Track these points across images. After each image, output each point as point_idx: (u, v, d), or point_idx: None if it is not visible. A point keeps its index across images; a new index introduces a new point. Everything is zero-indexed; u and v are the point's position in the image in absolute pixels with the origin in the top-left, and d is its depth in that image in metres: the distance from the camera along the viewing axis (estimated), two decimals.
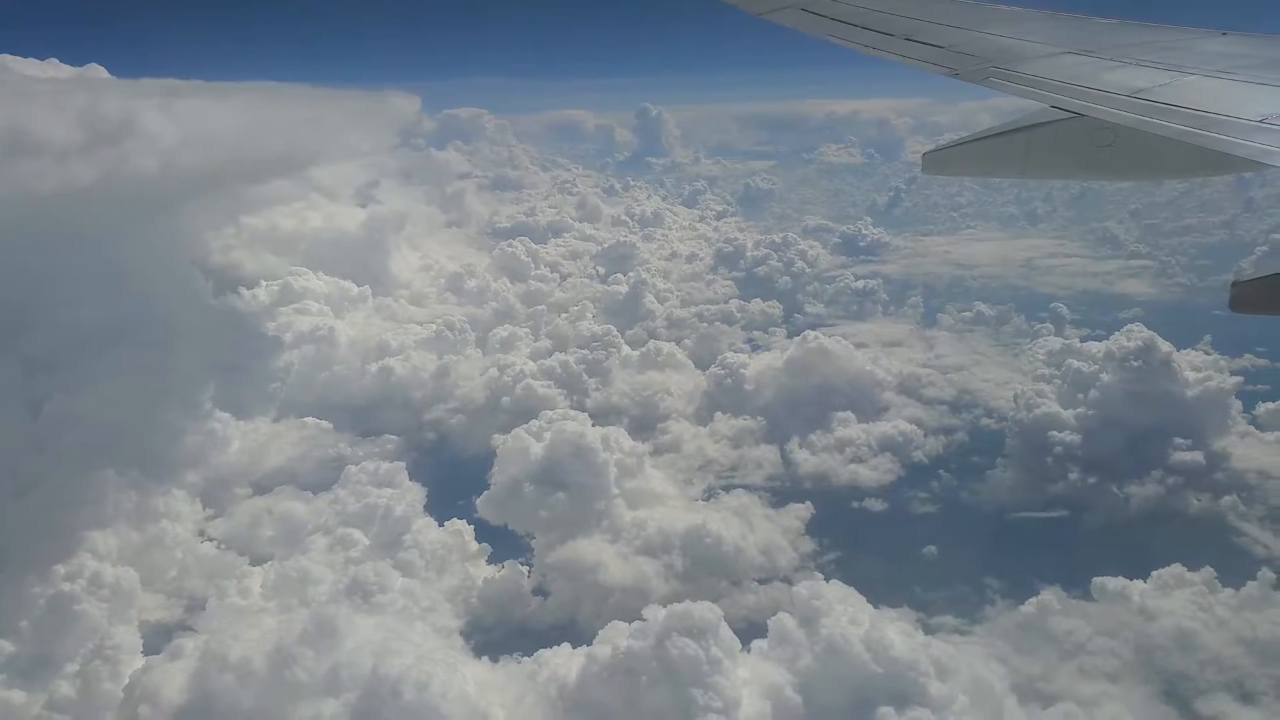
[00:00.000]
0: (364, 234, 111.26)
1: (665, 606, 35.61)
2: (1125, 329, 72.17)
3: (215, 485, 65.09)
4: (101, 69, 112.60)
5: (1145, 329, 71.51)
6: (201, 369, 73.86)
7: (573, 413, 64.55)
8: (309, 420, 74.84)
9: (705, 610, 35.27)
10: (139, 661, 36.04)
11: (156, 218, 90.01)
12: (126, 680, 33.67)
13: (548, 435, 58.85)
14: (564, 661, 35.77)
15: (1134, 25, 8.24)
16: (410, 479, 60.45)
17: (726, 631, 35.36)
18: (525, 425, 61.17)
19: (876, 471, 67.80)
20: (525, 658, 37.51)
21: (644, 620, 35.35)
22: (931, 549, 58.29)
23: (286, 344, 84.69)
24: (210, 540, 57.33)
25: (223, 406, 71.29)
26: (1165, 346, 69.00)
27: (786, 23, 9.64)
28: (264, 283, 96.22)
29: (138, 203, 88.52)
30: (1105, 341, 72.12)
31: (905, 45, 8.18)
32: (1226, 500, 61.62)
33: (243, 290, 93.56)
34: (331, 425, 75.01)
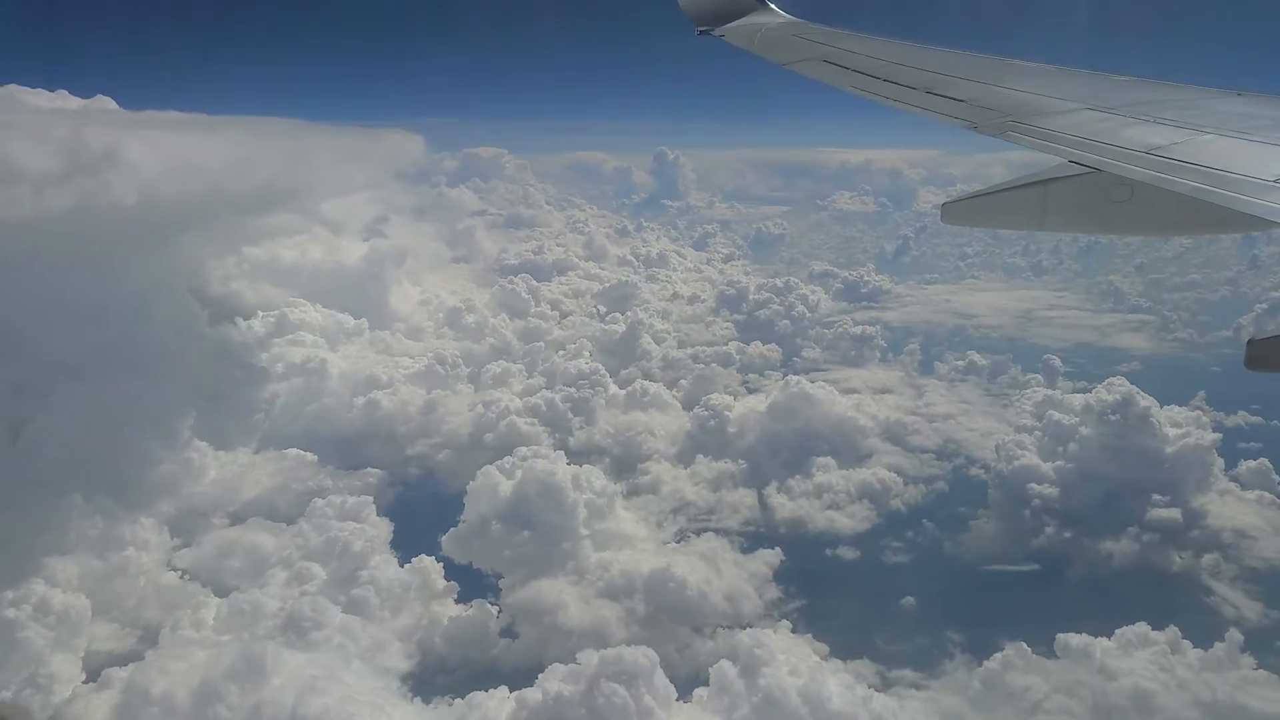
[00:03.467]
0: (365, 267, 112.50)
1: (598, 651, 35.49)
2: (1106, 382, 71.88)
3: (187, 515, 65.42)
4: (110, 100, 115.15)
5: (1127, 383, 71.23)
6: (186, 398, 74.74)
7: (545, 451, 64.70)
8: (291, 452, 75.15)
9: (640, 656, 35.20)
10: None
11: (157, 246, 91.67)
12: (51, 711, 33.83)
13: (519, 473, 59.09)
14: (496, 705, 35.65)
15: (1151, 83, 8.35)
16: (381, 514, 60.82)
17: (661, 679, 35.25)
18: (498, 462, 61.43)
19: (853, 519, 67.48)
20: (459, 699, 37.39)
21: (578, 664, 35.26)
22: (899, 600, 57.85)
23: (277, 375, 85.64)
24: (175, 570, 57.50)
25: (203, 436, 71.98)
26: (1145, 401, 68.65)
27: (811, 74, 9.96)
28: (261, 313, 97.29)
29: (140, 231, 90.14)
30: (1086, 395, 71.77)
31: (926, 98, 8.39)
32: (1200, 559, 60.98)
33: (239, 320, 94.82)
34: (315, 458, 75.25)
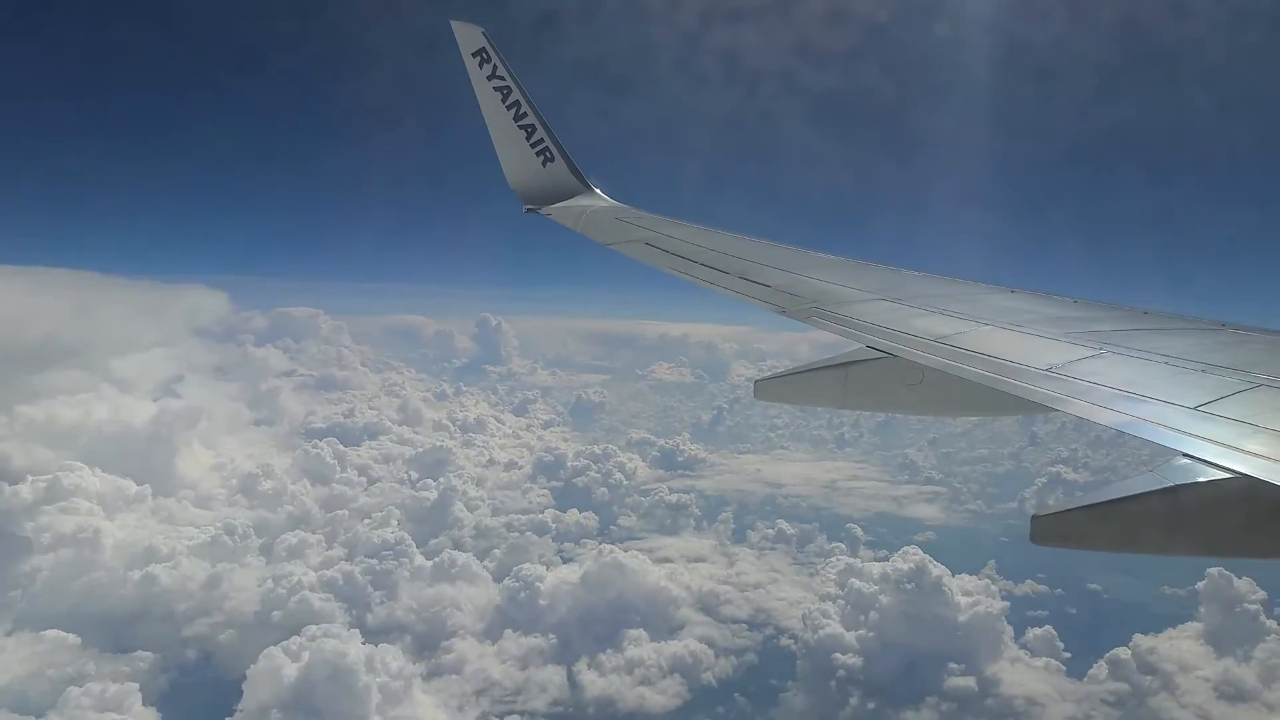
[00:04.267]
0: (152, 429, 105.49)
1: None
2: (901, 551, 74.85)
3: None
4: None
5: (921, 552, 74.34)
6: None
7: (337, 630, 60.54)
8: (51, 633, 68.00)
9: None
10: None
11: None
12: None
13: (306, 655, 54.79)
14: None
15: (936, 278, 9.11)
16: (148, 703, 54.75)
17: None
18: (284, 643, 56.87)
19: (664, 695, 65.99)
20: None
21: None
22: None
23: (41, 546, 78.10)
24: None
25: None
26: (938, 570, 71.65)
27: (632, 255, 10.46)
28: (30, 478, 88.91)
29: None
30: (883, 564, 74.34)
31: (738, 282, 8.94)
32: None
33: (4, 485, 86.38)
34: (79, 640, 68.28)
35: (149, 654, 68.54)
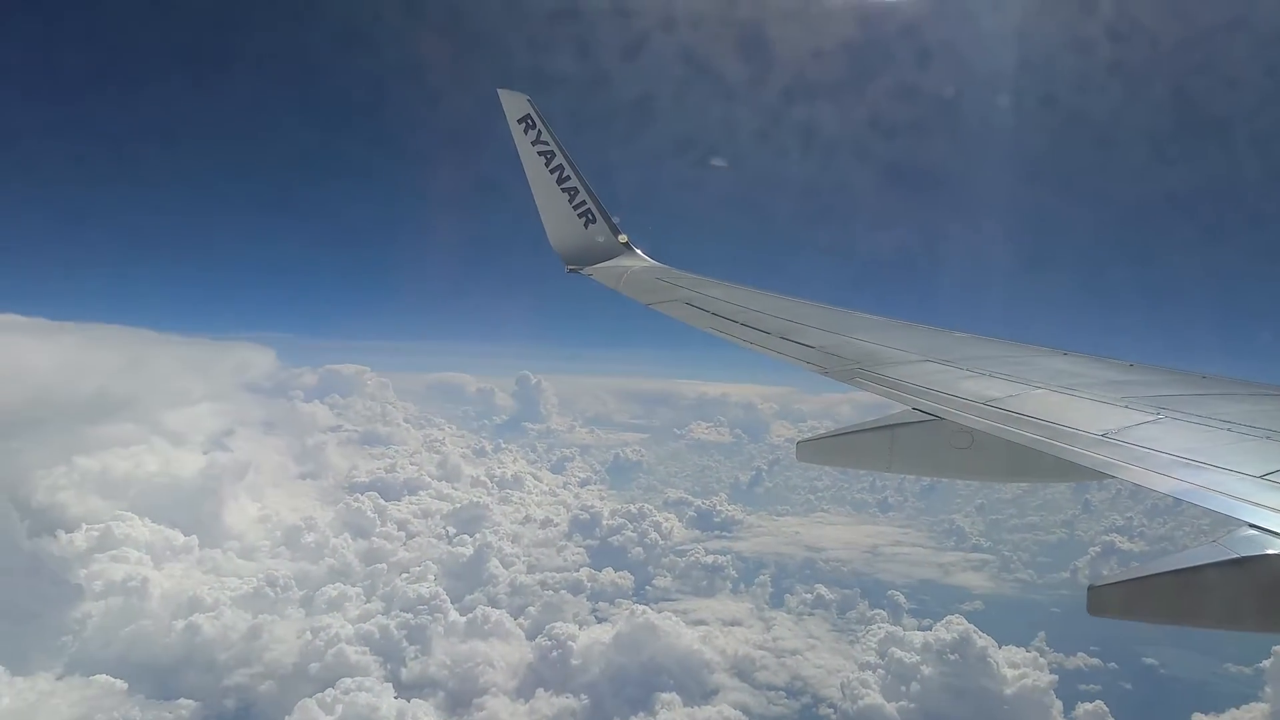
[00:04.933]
0: (201, 482, 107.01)
1: None
2: (945, 620, 73.12)
3: None
4: None
5: (965, 622, 72.58)
6: None
7: (370, 684, 60.30)
8: (100, 678, 69.68)
9: None
10: None
11: None
12: None
13: (339, 709, 54.58)
14: None
15: (984, 340, 8.90)
16: None
17: None
18: (318, 695, 56.77)
19: None
20: None
21: None
22: None
23: (93, 593, 79.94)
24: None
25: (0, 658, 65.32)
26: (983, 641, 69.84)
27: (673, 315, 10.50)
28: (84, 526, 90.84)
29: None
30: (926, 633, 72.66)
31: (780, 343, 8.85)
32: None
33: (60, 533, 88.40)
34: (125, 685, 69.73)
35: (191, 702, 69.61)
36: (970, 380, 7.25)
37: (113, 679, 68.58)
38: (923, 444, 7.04)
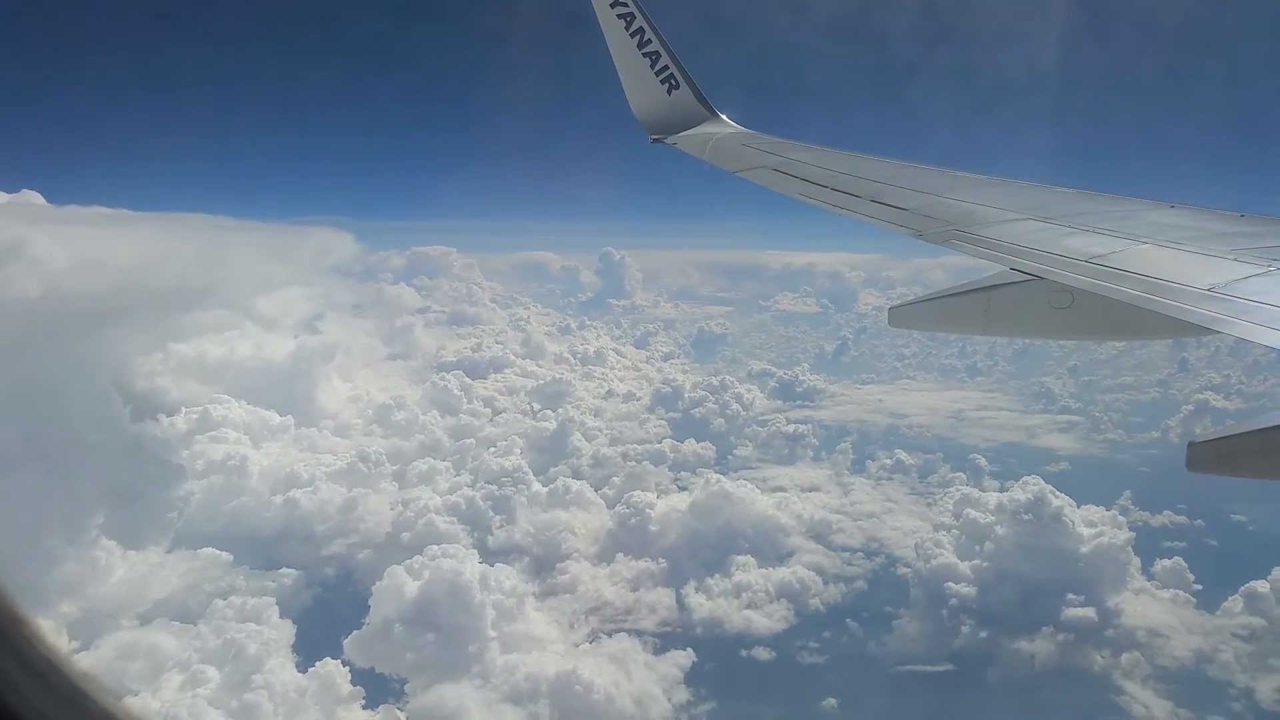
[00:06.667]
0: (294, 364, 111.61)
1: None
2: (1021, 481, 72.75)
3: (91, 616, 63.22)
4: (37, 195, 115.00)
5: (1042, 482, 72.13)
6: (97, 495, 73.01)
7: (453, 550, 63.54)
8: (206, 551, 73.79)
9: None
10: None
11: (78, 340, 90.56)
12: None
13: (426, 573, 57.92)
14: None
15: (1089, 195, 8.66)
16: (295, 615, 59.33)
17: None
18: (405, 562, 60.23)
19: (770, 619, 66.78)
20: None
21: None
22: (816, 702, 56.94)
23: (196, 472, 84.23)
24: None
25: (113, 534, 70.22)
26: (1058, 500, 69.45)
27: (760, 182, 10.38)
28: (183, 409, 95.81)
29: (61, 323, 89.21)
30: (1000, 494, 72.53)
31: (871, 206, 8.66)
32: (1115, 658, 61.03)
33: (162, 416, 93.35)
34: (230, 557, 73.88)
35: (293, 571, 73.53)
36: (1072, 237, 6.97)
37: (218, 551, 72.80)
38: (1021, 305, 7.01)
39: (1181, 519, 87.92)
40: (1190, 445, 4.21)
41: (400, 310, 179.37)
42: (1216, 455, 4.23)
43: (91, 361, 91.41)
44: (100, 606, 64.62)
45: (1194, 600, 69.01)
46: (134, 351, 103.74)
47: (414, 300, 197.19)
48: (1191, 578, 70.90)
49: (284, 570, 73.60)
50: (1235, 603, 67.49)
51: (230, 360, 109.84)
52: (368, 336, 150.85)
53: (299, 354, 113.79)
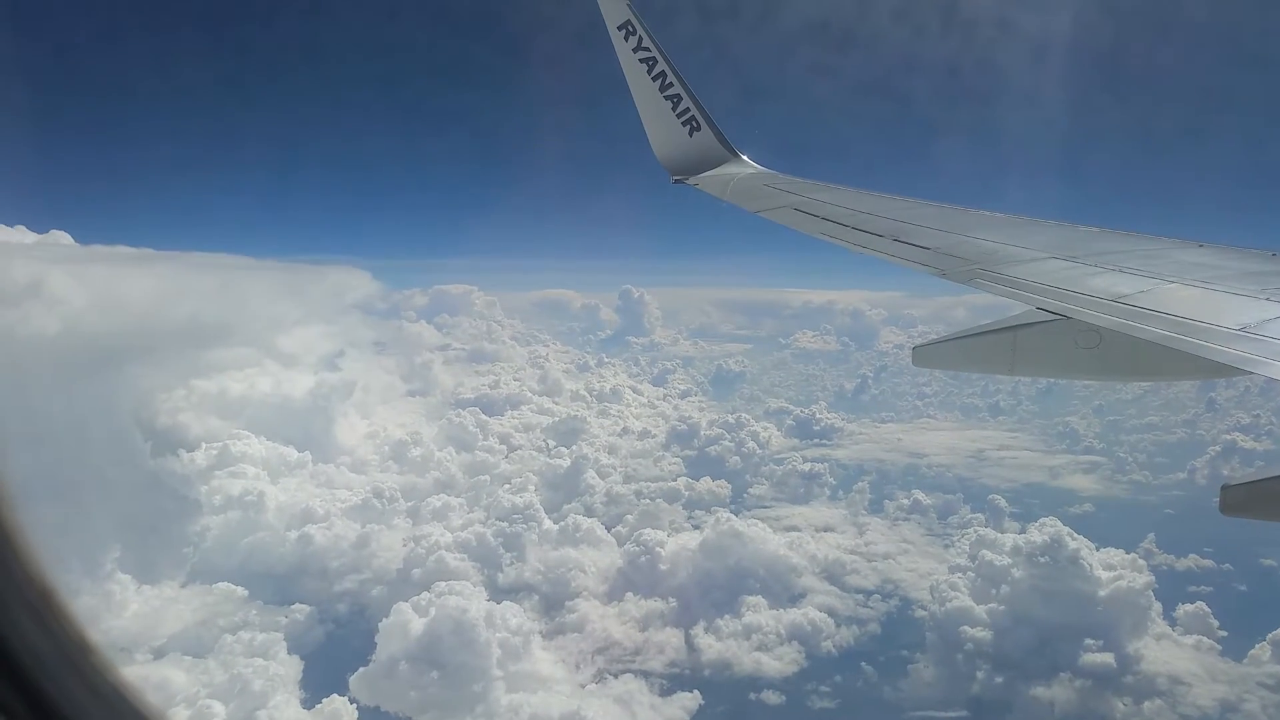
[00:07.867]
0: (312, 401, 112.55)
1: None
2: (1039, 522, 71.74)
3: (105, 650, 63.51)
4: (65, 235, 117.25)
5: (1059, 524, 71.08)
6: (114, 530, 73.66)
7: (460, 587, 63.37)
8: (221, 586, 74.23)
9: None
10: None
11: (106, 377, 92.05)
12: None
13: (432, 611, 57.75)
14: None
15: (1115, 234, 8.58)
16: (304, 651, 59.48)
17: None
18: (413, 599, 60.12)
19: (780, 661, 65.90)
20: None
21: None
22: None
23: (213, 507, 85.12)
24: None
25: (128, 569, 70.84)
26: (1075, 543, 68.36)
27: (782, 221, 10.43)
28: (204, 445, 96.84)
29: (90, 362, 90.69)
30: (1016, 536, 71.53)
31: (893, 245, 8.66)
32: (1136, 705, 59.63)
33: (182, 452, 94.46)
34: (245, 592, 74.35)
35: (306, 606, 73.78)
36: (1098, 276, 6.92)
37: (233, 586, 73.09)
38: (1047, 345, 6.88)
39: (1208, 563, 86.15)
40: (1224, 488, 4.15)
41: (420, 347, 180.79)
42: (1252, 498, 4.14)
43: (115, 398, 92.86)
44: (114, 640, 64.81)
45: (1219, 647, 67.45)
46: (157, 388, 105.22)
47: (434, 337, 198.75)
48: (1216, 623, 69.34)
49: (297, 606, 73.83)
50: (1263, 650, 65.92)
51: (251, 396, 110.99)
52: (387, 373, 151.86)
53: (318, 390, 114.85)
